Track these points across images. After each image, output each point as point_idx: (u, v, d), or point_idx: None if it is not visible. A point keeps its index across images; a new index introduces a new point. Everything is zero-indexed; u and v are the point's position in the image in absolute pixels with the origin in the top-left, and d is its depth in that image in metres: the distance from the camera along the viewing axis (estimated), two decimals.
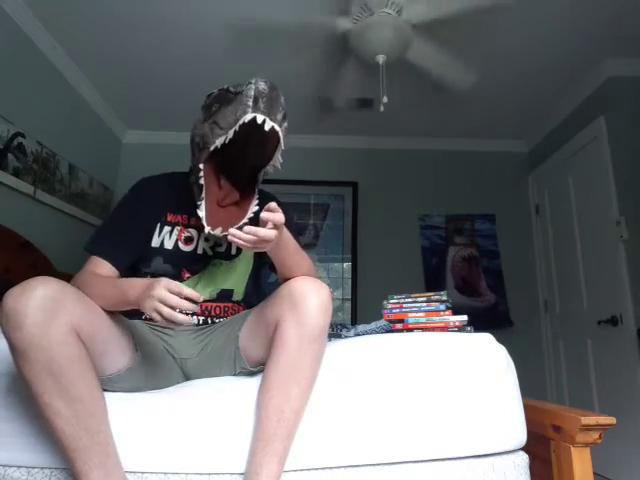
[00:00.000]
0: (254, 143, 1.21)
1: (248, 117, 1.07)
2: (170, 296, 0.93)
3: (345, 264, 3.66)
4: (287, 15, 2.30)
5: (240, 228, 1.11)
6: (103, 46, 2.67)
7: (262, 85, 1.10)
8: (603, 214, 2.77)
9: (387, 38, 2.26)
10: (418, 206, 3.70)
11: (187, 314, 1.05)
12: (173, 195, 1.29)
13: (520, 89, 3.05)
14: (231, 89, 1.16)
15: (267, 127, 1.08)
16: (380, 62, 2.29)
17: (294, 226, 1.42)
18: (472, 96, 3.12)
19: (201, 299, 0.97)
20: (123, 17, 2.43)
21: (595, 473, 1.18)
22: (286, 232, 1.11)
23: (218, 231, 1.12)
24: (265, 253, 1.24)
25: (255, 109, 1.07)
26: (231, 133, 1.09)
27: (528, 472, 1.10)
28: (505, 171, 3.79)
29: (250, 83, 1.11)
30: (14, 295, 0.84)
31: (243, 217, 1.16)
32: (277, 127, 1.10)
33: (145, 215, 1.25)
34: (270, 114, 1.08)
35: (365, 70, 2.63)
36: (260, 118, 1.07)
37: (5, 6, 2.26)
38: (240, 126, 1.08)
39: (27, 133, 2.44)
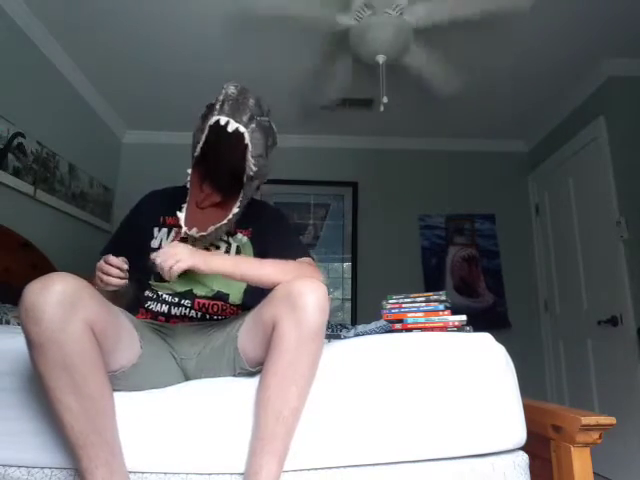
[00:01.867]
0: (225, 146, 1.25)
1: (213, 120, 1.12)
2: (102, 264, 1.09)
3: (345, 264, 3.67)
4: (287, 6, 2.27)
5: (220, 229, 1.20)
6: (103, 46, 2.67)
7: (231, 89, 1.16)
8: (603, 214, 2.77)
9: (388, 39, 2.25)
10: (418, 206, 3.70)
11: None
12: (173, 201, 1.33)
13: (520, 89, 3.05)
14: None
15: (230, 128, 1.12)
16: (380, 62, 2.28)
17: (289, 229, 1.45)
18: (472, 96, 3.12)
19: (125, 267, 1.10)
20: (123, 17, 2.43)
21: (595, 473, 1.18)
22: (234, 262, 1.15)
23: (194, 231, 1.16)
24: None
25: (220, 112, 1.13)
26: (203, 137, 1.16)
27: (528, 472, 1.10)
28: (505, 171, 3.79)
29: (223, 88, 1.17)
30: (33, 290, 0.85)
31: (224, 219, 1.20)
32: (242, 128, 1.13)
33: (144, 222, 1.35)
34: (235, 116, 1.13)
35: (365, 70, 2.63)
36: (223, 120, 1.12)
37: (5, 6, 2.27)
38: (209, 129, 1.14)
39: (27, 133, 2.44)
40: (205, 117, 1.23)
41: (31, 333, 0.85)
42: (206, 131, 1.14)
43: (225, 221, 1.19)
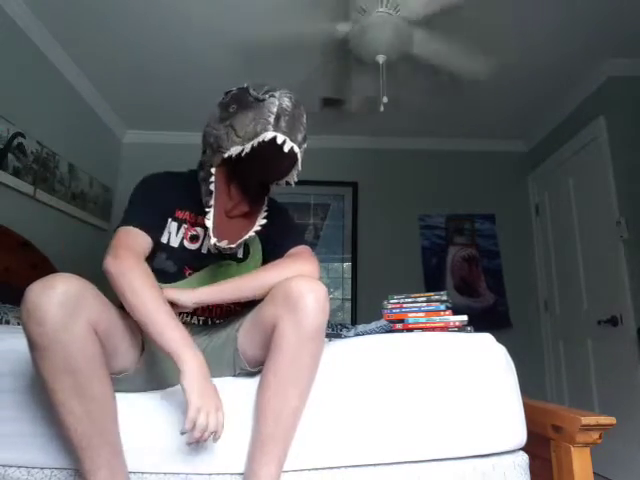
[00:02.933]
0: (270, 160, 1.18)
1: (269, 135, 1.04)
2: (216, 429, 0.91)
3: (345, 264, 3.66)
4: (288, 25, 2.29)
5: (246, 240, 1.13)
6: (103, 46, 2.67)
7: (286, 102, 1.08)
8: (603, 214, 2.77)
9: (386, 37, 2.25)
10: (418, 206, 3.70)
11: None
12: (180, 191, 1.25)
13: (520, 89, 3.05)
14: (252, 92, 1.13)
15: (286, 149, 1.06)
16: (380, 62, 2.28)
17: (291, 222, 1.40)
18: (472, 96, 3.12)
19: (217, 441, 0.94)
20: (123, 17, 2.43)
21: (595, 473, 1.18)
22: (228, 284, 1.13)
23: (224, 243, 1.10)
24: (268, 255, 1.27)
25: (276, 128, 1.05)
26: (248, 147, 1.07)
27: (528, 472, 1.10)
28: (505, 171, 3.79)
29: (273, 96, 1.09)
30: (36, 291, 0.84)
31: (250, 229, 1.14)
32: (297, 149, 1.08)
33: (160, 210, 1.21)
34: (291, 135, 1.06)
35: (365, 70, 2.63)
36: (280, 138, 1.04)
37: (5, 6, 2.27)
38: (259, 143, 1.06)
39: (27, 133, 2.44)
40: (226, 107, 1.15)
41: (34, 334, 0.83)
42: (254, 143, 1.06)
43: (252, 232, 1.14)
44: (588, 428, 1.09)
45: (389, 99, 2.34)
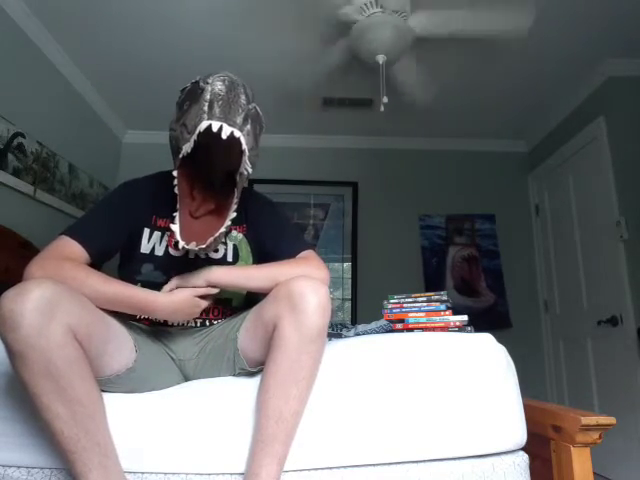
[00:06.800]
0: (218, 149, 1.15)
1: (203, 125, 1.00)
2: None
3: (345, 264, 3.66)
4: None
5: (219, 237, 1.08)
6: (103, 46, 2.66)
7: (218, 86, 1.03)
8: (603, 214, 2.77)
9: (389, 38, 2.25)
10: (418, 206, 3.70)
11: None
12: (161, 198, 1.21)
13: (520, 89, 3.05)
14: (201, 83, 1.08)
15: (224, 135, 1.00)
16: (380, 62, 2.28)
17: (283, 219, 1.35)
18: (473, 96, 3.13)
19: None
20: (123, 17, 2.43)
21: (595, 473, 1.18)
22: (231, 273, 1.15)
23: (193, 245, 1.05)
24: (265, 257, 1.25)
25: (210, 115, 1.01)
26: (191, 142, 1.03)
27: (528, 472, 1.10)
28: (505, 171, 3.79)
29: (207, 82, 1.05)
30: (10, 297, 0.83)
31: (221, 226, 1.08)
32: (237, 132, 1.01)
33: (131, 216, 1.20)
34: (227, 119, 1.01)
35: (365, 70, 2.63)
36: (216, 125, 1.00)
37: (5, 6, 2.26)
38: (199, 134, 1.02)
39: (27, 133, 2.44)
40: (181, 106, 1.13)
41: (10, 340, 0.83)
42: (194, 136, 1.02)
43: (223, 229, 1.07)
44: (588, 428, 1.09)
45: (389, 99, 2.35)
